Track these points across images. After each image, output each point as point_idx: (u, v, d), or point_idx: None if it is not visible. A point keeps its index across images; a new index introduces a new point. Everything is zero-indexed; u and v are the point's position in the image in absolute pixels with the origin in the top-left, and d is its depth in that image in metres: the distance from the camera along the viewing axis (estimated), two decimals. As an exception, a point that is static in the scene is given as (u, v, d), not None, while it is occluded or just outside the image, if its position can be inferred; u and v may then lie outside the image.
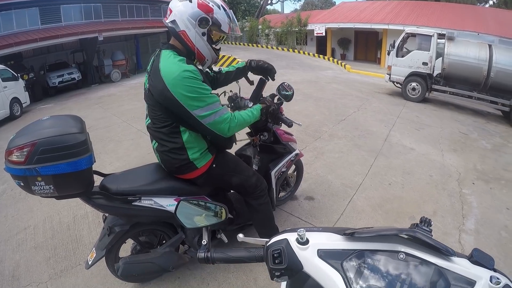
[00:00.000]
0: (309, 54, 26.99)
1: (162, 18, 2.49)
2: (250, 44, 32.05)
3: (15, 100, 11.94)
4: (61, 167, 1.91)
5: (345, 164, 5.75)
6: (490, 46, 11.33)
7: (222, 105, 2.32)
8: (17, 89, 12.38)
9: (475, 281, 1.01)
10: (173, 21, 2.25)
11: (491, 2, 44.11)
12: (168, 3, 2.41)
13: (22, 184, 1.93)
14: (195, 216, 1.69)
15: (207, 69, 2.72)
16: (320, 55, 26.26)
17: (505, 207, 5.07)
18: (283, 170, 3.53)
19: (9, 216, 4.47)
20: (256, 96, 3.03)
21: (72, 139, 1.96)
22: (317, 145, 6.48)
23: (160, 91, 2.15)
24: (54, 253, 3.57)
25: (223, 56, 19.94)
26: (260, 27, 33.18)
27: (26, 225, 4.20)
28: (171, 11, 2.27)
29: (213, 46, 2.40)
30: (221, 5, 2.33)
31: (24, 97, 12.92)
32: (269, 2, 47.00)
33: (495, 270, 1.08)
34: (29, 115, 12.28)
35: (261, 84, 3.06)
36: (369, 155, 6.25)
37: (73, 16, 19.52)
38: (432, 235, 1.12)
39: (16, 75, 12.72)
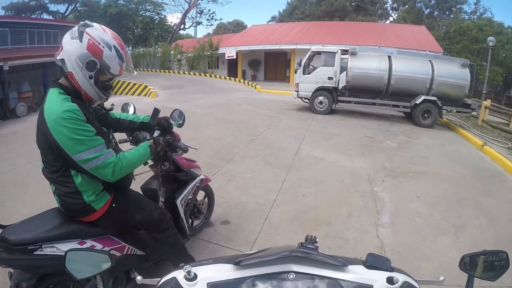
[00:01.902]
0: (220, 77, 27.27)
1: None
2: (162, 71, 31.56)
3: None
4: None
5: (258, 183, 5.68)
6: (389, 57, 12.51)
7: (108, 148, 2.18)
8: None
9: (372, 285, 1.07)
10: (62, 60, 2.12)
11: (391, 18, 48.82)
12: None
13: None
14: (84, 265, 1.54)
15: (98, 107, 2.55)
16: (231, 78, 26.68)
17: (415, 196, 5.40)
18: (189, 197, 3.38)
19: None
20: (150, 127, 2.94)
21: None
22: (229, 168, 6.36)
23: (44, 134, 2.03)
24: None
25: (134, 84, 19.41)
26: (172, 52, 32.74)
27: None
28: (62, 48, 2.14)
29: (101, 90, 2.26)
30: (114, 46, 2.20)
31: None
32: (182, 27, 47.04)
33: (392, 270, 1.13)
34: None
35: (155, 114, 2.95)
36: (281, 171, 6.25)
37: (-27, 42, 17.52)
38: (318, 251, 1.17)
39: None
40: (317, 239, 1.25)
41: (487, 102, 13.06)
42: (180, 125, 3.08)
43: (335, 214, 4.62)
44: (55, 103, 2.04)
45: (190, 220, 3.67)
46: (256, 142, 8.16)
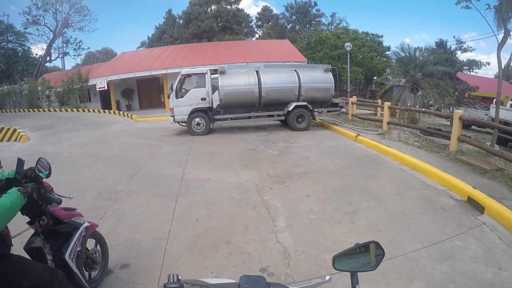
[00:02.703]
0: (94, 111, 25.88)
1: None
2: (30, 110, 28.61)
3: None
4: None
5: (148, 217, 5.50)
6: (257, 71, 13.26)
7: None
8: None
9: None
10: None
11: (257, 35, 52.08)
12: None
13: None
14: None
15: None
16: (106, 110, 25.51)
17: (305, 196, 5.78)
18: (78, 249, 3.13)
19: None
20: (18, 180, 2.67)
21: None
22: (116, 207, 6.02)
23: None
24: None
25: (2, 129, 17.21)
26: (39, 88, 29.53)
27: None
28: None
29: None
30: None
31: None
32: (48, 58, 42.86)
33: (269, 286, 1.15)
34: None
35: (20, 165, 2.69)
36: (169, 199, 6.15)
37: None
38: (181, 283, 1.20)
39: None
40: (179, 277, 1.26)
41: (353, 99, 15.11)
42: (47, 176, 2.82)
43: (232, 231, 4.68)
44: None
45: (86, 273, 3.41)
46: (139, 175, 7.89)
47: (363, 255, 1.50)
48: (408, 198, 5.62)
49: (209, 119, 13.29)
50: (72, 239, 3.06)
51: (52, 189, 2.88)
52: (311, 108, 13.10)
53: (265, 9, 55.41)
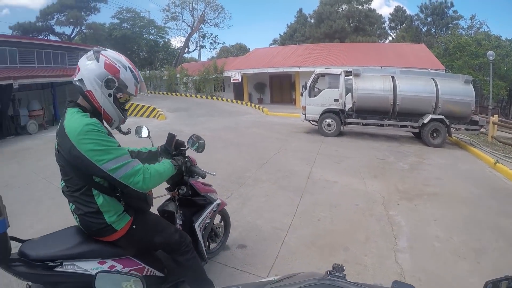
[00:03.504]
0: (227, 100, 27.55)
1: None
2: (169, 93, 31.88)
3: None
4: None
5: (272, 207, 5.65)
6: (393, 77, 12.49)
7: (133, 158, 2.20)
8: None
9: None
10: (80, 80, 2.20)
11: (390, 38, 49.16)
12: (86, 50, 2.32)
13: None
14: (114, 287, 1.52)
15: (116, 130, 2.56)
16: (238, 101, 26.92)
17: (432, 219, 5.30)
18: (207, 221, 3.38)
19: None
20: (167, 152, 2.95)
21: None
22: (242, 192, 6.34)
23: (68, 150, 2.05)
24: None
25: (143, 106, 19.64)
26: (178, 75, 33.23)
27: None
28: (79, 69, 2.22)
29: (120, 107, 2.37)
30: (128, 67, 2.32)
31: None
32: (186, 50, 48.00)
33: None
34: None
35: (171, 139, 2.95)
36: (294, 194, 6.23)
37: (-15, 59, 17.92)
38: (345, 279, 1.15)
39: None
40: (344, 268, 1.23)
41: (495, 118, 12.98)
42: (199, 151, 3.20)
43: (352, 239, 4.55)
44: (76, 119, 2.09)
45: (207, 243, 3.66)
46: (267, 166, 8.16)
47: None
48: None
49: (340, 121, 13.01)
50: (204, 212, 3.30)
51: (196, 163, 3.08)
52: (448, 123, 11.79)
53: (398, 10, 51.63)
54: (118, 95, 2.31)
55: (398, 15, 50.97)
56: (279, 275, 1.39)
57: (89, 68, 2.18)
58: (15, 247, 2.05)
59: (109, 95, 2.24)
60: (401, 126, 12.69)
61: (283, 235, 4.64)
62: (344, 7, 46.28)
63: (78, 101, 2.28)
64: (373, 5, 49.69)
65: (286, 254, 4.14)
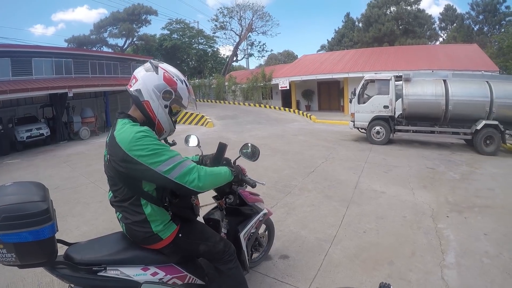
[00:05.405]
0: (275, 107, 27.79)
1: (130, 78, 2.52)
2: (217, 101, 32.53)
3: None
4: (23, 236, 1.83)
5: (317, 217, 5.64)
6: (445, 81, 11.99)
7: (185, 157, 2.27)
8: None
9: None
10: (138, 90, 2.31)
11: (441, 39, 47.20)
12: (137, 61, 2.46)
13: None
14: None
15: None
16: (286, 108, 27.05)
17: (482, 234, 5.06)
18: (252, 231, 3.44)
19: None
20: (218, 161, 2.97)
21: (34, 207, 1.89)
22: (288, 201, 6.38)
23: (121, 158, 2.11)
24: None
25: (192, 114, 20.23)
26: (226, 83, 34.18)
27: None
28: (136, 79, 2.34)
29: (172, 118, 2.47)
30: (184, 80, 2.44)
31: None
32: (235, 59, 49.02)
33: None
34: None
35: (222, 149, 2.98)
36: (340, 205, 6.19)
37: (44, 70, 19.57)
38: None
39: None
40: (391, 286, 1.23)
41: None
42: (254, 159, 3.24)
43: (397, 253, 4.46)
44: (126, 128, 2.16)
45: (250, 253, 3.69)
46: (314, 174, 8.14)
47: None
48: None
49: (389, 129, 12.66)
50: (250, 221, 3.35)
51: (245, 173, 3.11)
52: (503, 129, 11.10)
53: (448, 9, 49.05)
54: (172, 106, 2.41)
55: (448, 14, 48.82)
56: None
57: (147, 79, 2.30)
58: (61, 248, 2.17)
59: (165, 106, 2.35)
60: (453, 133, 12.12)
61: (327, 246, 4.62)
62: (392, 8, 45.19)
63: (129, 112, 2.37)
64: (422, 5, 48.32)
65: (328, 267, 4.12)
